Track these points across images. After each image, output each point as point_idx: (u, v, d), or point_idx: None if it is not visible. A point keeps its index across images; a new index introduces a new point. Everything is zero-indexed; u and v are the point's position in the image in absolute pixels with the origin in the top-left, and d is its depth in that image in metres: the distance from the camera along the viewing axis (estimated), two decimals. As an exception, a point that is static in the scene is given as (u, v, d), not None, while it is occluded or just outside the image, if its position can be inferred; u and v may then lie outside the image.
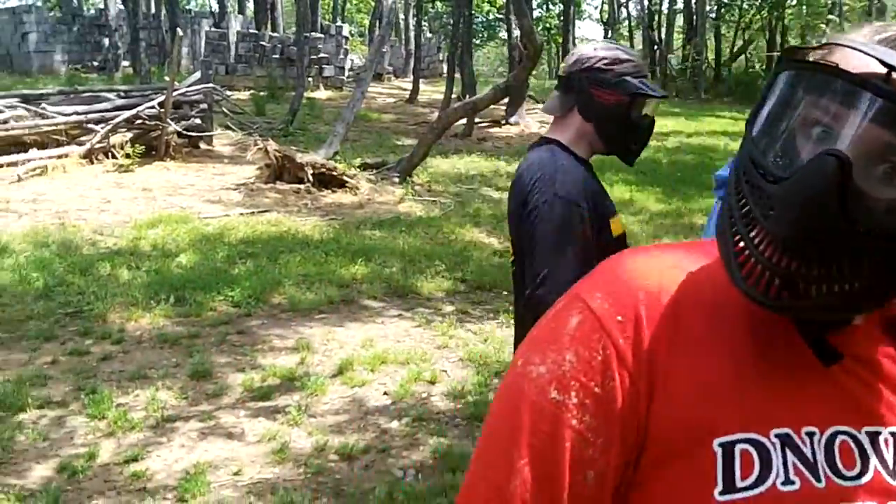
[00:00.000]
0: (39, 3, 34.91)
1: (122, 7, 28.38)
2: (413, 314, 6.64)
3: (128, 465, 4.17)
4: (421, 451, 4.33)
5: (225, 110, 15.62)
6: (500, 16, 37.28)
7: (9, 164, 10.98)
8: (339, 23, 32.05)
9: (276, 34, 26.62)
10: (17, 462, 4.21)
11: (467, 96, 19.55)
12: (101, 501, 3.85)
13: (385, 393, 5.06)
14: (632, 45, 39.69)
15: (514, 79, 14.29)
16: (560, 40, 32.54)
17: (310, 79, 22.04)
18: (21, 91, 14.29)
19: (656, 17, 37.20)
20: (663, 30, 36.46)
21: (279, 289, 7.04)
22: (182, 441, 4.42)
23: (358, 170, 12.38)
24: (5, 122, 11.84)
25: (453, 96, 20.44)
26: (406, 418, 4.69)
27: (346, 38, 28.16)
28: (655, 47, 35.39)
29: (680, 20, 38.92)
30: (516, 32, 20.27)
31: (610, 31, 39.65)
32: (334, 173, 11.67)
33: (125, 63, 26.02)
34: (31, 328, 6.11)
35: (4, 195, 9.77)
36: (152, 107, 12.42)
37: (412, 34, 31.17)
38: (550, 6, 40.18)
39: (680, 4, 36.82)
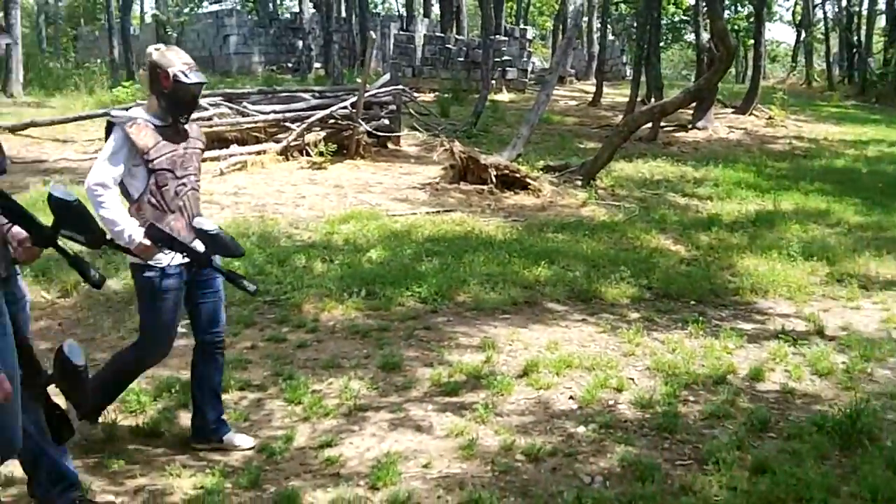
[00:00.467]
0: (239, 7, 36.88)
1: (314, 11, 29.59)
2: (597, 319, 6.58)
3: (322, 449, 4.33)
4: (608, 458, 4.27)
5: (412, 111, 15.99)
6: (686, 17, 36.35)
7: (212, 159, 11.65)
8: (522, 25, 32.13)
9: (461, 37, 27.01)
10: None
11: (653, 99, 19.20)
12: (297, 482, 4.02)
13: (571, 397, 5.04)
14: (827, 49, 37.82)
15: (705, 82, 13.93)
16: (750, 42, 31.35)
17: (493, 81, 22.21)
18: (224, 90, 15.10)
19: (855, 19, 35.22)
20: (862, 31, 34.47)
21: (464, 287, 7.13)
22: (373, 430, 4.55)
23: (541, 172, 12.39)
24: (209, 118, 12.57)
25: (637, 99, 20.13)
26: (593, 424, 4.65)
27: (529, 41, 28.23)
28: (854, 50, 33.57)
29: (881, 21, 36.72)
30: (704, 35, 19.77)
31: (803, 33, 37.94)
32: (517, 175, 11.73)
33: (317, 65, 27.09)
34: (232, 314, 6.45)
35: (208, 188, 10.36)
36: (345, 107, 12.88)
37: (595, 36, 30.88)
38: (739, 8, 38.83)
39: (881, 5, 34.76)
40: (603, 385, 5.16)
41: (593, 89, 25.28)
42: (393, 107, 14.45)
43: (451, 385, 5.15)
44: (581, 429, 4.61)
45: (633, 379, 5.35)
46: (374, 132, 13.55)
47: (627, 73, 34.07)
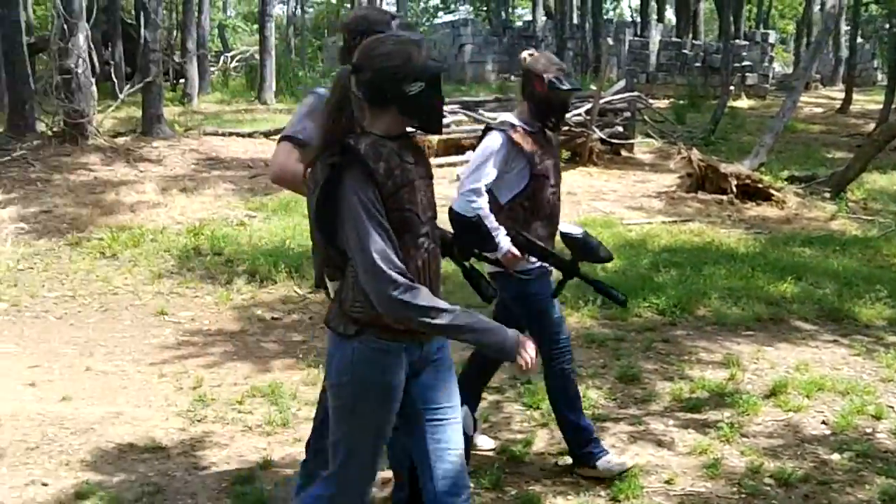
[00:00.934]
0: (472, 17, 37.70)
1: (546, 19, 29.75)
2: (851, 341, 6.17)
3: (562, 456, 4.30)
4: (867, 489, 3.99)
5: (646, 118, 15.71)
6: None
7: (448, 165, 11.96)
8: (762, 29, 30.81)
9: (697, 42, 26.28)
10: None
11: (910, 107, 17.87)
12: (537, 487, 4.02)
13: (823, 422, 4.75)
14: None
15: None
16: None
17: (732, 87, 21.45)
18: (461, 98, 15.45)
19: None
20: None
21: (704, 300, 6.92)
22: (612, 441, 4.49)
23: (785, 183, 11.84)
24: (447, 126, 12.90)
25: (893, 106, 18.76)
26: (848, 452, 4.36)
27: (772, 45, 27.02)
28: None
29: None
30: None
31: None
32: (759, 185, 11.26)
33: (550, 72, 27.15)
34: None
35: (445, 193, 10.63)
36: (578, 114, 12.83)
37: (843, 40, 29.11)
38: None
39: None
40: (859, 411, 4.83)
41: (841, 95, 23.85)
42: (627, 114, 14.26)
43: (693, 401, 4.99)
44: (835, 456, 4.33)
45: (892, 407, 4.98)
46: (608, 139, 13.41)
47: (879, 79, 31.90)
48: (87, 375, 5.66)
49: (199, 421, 4.83)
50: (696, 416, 4.83)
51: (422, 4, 43.69)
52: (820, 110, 22.97)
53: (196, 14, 20.26)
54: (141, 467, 4.24)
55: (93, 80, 12.64)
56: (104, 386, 5.47)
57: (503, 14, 39.49)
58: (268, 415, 4.84)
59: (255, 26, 34.86)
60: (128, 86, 14.18)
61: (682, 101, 20.43)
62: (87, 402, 5.17)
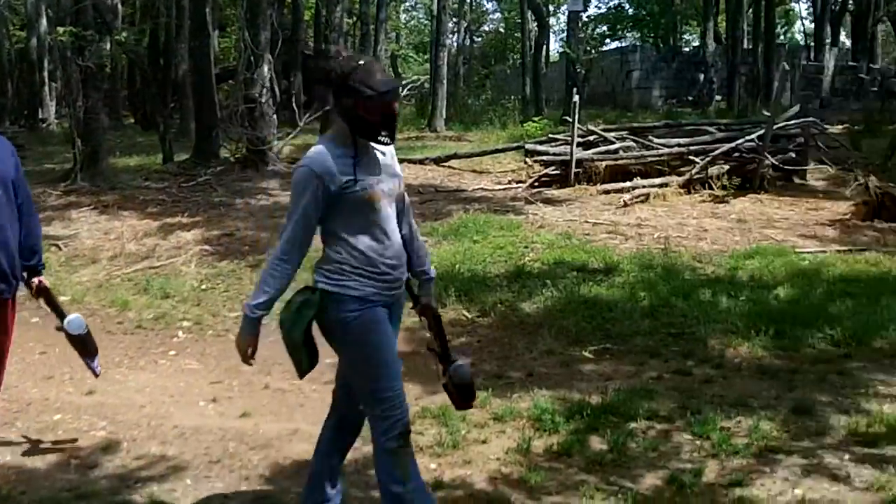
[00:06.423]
0: (639, 43, 37.43)
1: (714, 44, 29.21)
2: None
3: (732, 488, 4.30)
4: None
5: (819, 144, 15.21)
6: None
7: (615, 191, 12.00)
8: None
9: (875, 66, 25.20)
10: (630, 466, 4.61)
11: None
12: (707, 517, 4.05)
13: None
14: None
15: None
16: None
17: (912, 111, 20.45)
18: (629, 124, 15.44)
19: None
20: None
21: (881, 332, 6.69)
22: (785, 474, 4.44)
23: (971, 212, 11.21)
24: (615, 151, 12.96)
25: None
26: None
27: (956, 67, 25.61)
28: None
29: None
30: None
31: None
32: (942, 214, 10.73)
33: (717, 98, 26.69)
34: (637, 343, 6.65)
35: (613, 219, 10.70)
36: (751, 140, 12.61)
37: None
38: None
39: None
40: None
41: None
42: (801, 140, 13.87)
43: (871, 436, 4.87)
44: None
45: None
46: (780, 166, 13.10)
47: None
48: (265, 393, 5.96)
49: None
50: (874, 450, 4.71)
51: (590, 31, 43.69)
52: None
53: (373, 44, 21.07)
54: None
55: (274, 109, 13.40)
56: (281, 403, 5.76)
57: (671, 40, 38.99)
58: (438, 436, 4.97)
59: (426, 56, 35.80)
60: (307, 114, 14.91)
61: (857, 127, 19.60)
62: (265, 419, 5.46)
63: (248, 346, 3.46)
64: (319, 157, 3.37)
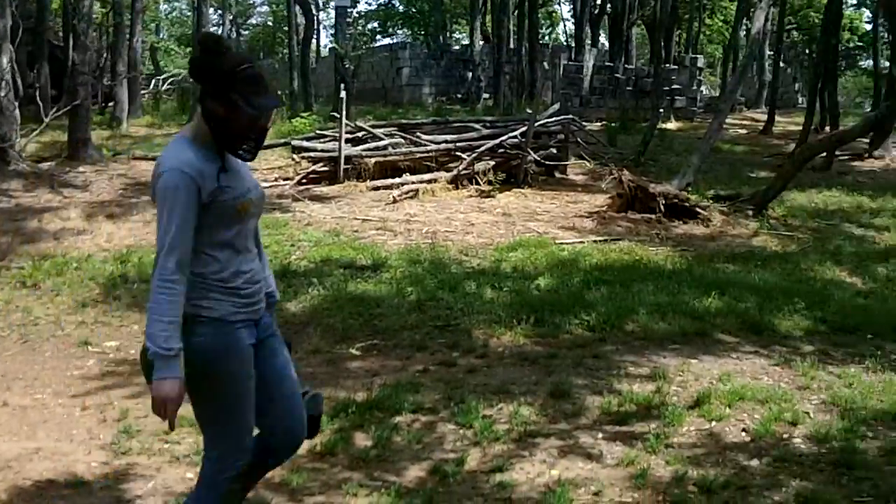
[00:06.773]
0: (411, 41, 37.96)
1: (483, 43, 30.09)
2: (770, 352, 6.39)
3: (493, 474, 4.38)
4: (783, 492, 4.15)
5: (579, 140, 16.01)
6: (861, 44, 34.78)
7: (385, 188, 12.06)
8: (691, 54, 31.56)
9: (630, 66, 26.83)
10: (395, 460, 4.60)
11: (828, 128, 18.50)
12: (469, 506, 4.10)
13: (744, 430, 4.92)
14: None
15: (887, 109, 13.31)
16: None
17: (661, 110, 21.94)
18: (398, 121, 15.57)
19: None
20: None
21: (632, 316, 7.08)
22: (543, 456, 4.58)
23: (710, 201, 12.17)
24: (384, 148, 13.02)
25: (812, 127, 19.40)
26: (766, 458, 4.53)
27: (700, 70, 27.71)
28: None
29: None
30: (884, 63, 18.88)
31: None
32: (686, 204, 11.56)
33: (485, 95, 27.50)
34: (405, 338, 6.68)
35: (382, 215, 10.74)
36: (514, 137, 13.05)
37: (767, 64, 29.99)
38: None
39: None
40: (777, 418, 5.01)
41: (764, 117, 24.57)
42: (561, 136, 14.53)
43: (622, 414, 5.12)
44: (754, 462, 4.49)
45: (808, 413, 5.17)
46: (543, 161, 13.65)
47: (799, 101, 32.86)
48: (4, 410, 5.50)
49: (123, 453, 4.71)
50: (624, 428, 4.95)
51: (360, 28, 43.81)
52: (744, 132, 23.61)
53: (127, 36, 20.02)
54: (61, 504, 4.15)
55: (16, 104, 12.44)
56: (22, 420, 5.32)
57: (441, 38, 39.79)
58: (195, 444, 4.70)
59: (189, 49, 34.57)
60: (53, 109, 13.97)
61: (613, 124, 20.82)
62: (3, 438, 5.01)
63: (178, 394, 2.94)
64: (185, 156, 2.94)
